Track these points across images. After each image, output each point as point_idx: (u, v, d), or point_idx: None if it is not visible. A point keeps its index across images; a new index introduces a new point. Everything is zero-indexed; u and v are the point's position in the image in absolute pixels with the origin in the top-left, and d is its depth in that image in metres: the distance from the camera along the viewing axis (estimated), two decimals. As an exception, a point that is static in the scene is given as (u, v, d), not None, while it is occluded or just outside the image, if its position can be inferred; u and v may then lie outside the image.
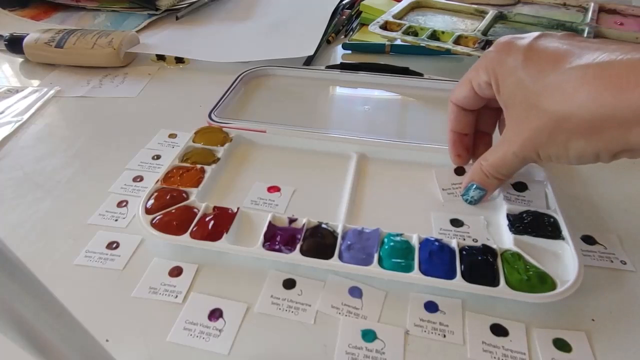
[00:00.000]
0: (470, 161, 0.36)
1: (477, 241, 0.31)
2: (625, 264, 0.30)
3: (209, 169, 0.36)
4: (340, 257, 0.29)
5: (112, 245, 0.32)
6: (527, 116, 0.28)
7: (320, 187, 0.36)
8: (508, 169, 0.31)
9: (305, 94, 0.50)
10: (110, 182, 0.37)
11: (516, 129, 0.29)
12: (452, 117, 0.35)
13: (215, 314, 0.27)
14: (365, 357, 0.25)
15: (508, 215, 0.32)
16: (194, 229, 0.31)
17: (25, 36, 0.56)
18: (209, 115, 0.43)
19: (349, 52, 0.60)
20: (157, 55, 0.58)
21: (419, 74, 0.51)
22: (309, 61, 0.56)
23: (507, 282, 0.27)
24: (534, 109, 0.27)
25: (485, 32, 0.51)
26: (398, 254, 0.29)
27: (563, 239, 0.30)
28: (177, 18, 0.68)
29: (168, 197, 0.33)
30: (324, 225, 0.31)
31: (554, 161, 0.28)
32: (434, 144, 0.39)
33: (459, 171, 0.37)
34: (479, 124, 0.35)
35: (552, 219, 0.31)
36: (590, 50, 0.26)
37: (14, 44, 0.57)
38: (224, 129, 0.41)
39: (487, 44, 0.49)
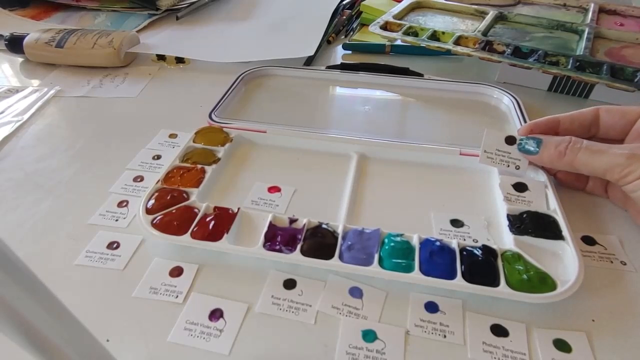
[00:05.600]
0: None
1: (477, 241, 0.31)
2: (625, 264, 0.30)
3: (209, 169, 0.36)
4: (341, 258, 0.29)
5: (113, 245, 0.32)
6: None
7: (320, 187, 0.36)
8: (586, 167, 0.31)
9: (305, 94, 0.50)
10: (111, 182, 0.37)
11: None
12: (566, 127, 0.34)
13: (216, 314, 0.27)
14: (366, 357, 0.25)
15: (508, 216, 0.32)
16: (195, 229, 0.31)
17: (26, 36, 0.56)
18: (210, 116, 0.43)
19: (349, 52, 0.60)
20: (157, 55, 0.58)
21: (419, 74, 0.51)
22: (309, 61, 0.56)
23: (508, 283, 0.27)
24: None
25: (485, 33, 0.51)
26: (398, 254, 0.29)
27: (563, 239, 0.30)
28: (177, 18, 0.68)
29: (168, 197, 0.33)
30: (324, 226, 0.31)
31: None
32: (434, 144, 0.39)
33: (510, 141, 0.35)
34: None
35: (552, 219, 0.31)
36: None
37: (14, 44, 0.57)
38: (224, 129, 0.41)
39: (488, 44, 0.49)
